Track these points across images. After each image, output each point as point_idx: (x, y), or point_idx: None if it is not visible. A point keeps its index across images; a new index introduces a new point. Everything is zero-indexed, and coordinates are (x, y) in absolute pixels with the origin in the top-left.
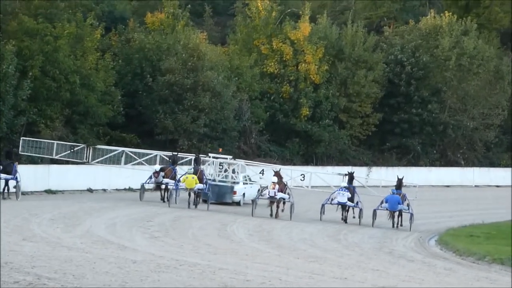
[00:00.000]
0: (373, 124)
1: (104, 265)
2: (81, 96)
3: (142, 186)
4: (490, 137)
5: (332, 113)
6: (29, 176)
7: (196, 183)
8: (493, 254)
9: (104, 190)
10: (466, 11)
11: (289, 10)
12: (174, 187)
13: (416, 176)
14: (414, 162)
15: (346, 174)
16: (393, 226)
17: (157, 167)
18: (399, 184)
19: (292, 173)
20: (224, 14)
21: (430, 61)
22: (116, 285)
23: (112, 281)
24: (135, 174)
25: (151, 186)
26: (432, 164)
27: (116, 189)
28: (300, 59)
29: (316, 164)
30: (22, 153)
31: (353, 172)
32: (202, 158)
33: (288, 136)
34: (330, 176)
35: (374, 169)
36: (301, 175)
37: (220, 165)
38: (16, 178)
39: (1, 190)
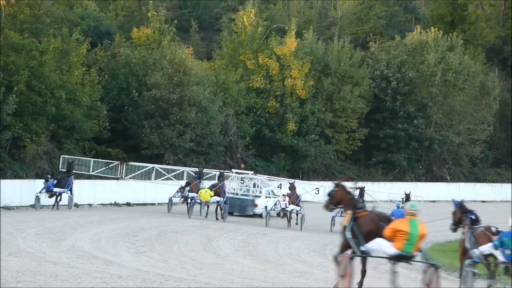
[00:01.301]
0: (359, 139)
1: (89, 280)
2: (67, 111)
3: (170, 199)
4: (475, 152)
5: (318, 128)
6: (15, 190)
7: (211, 196)
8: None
9: (90, 205)
10: (451, 27)
11: (275, 26)
12: (193, 200)
13: (402, 191)
14: (400, 177)
15: (357, 189)
16: None
17: (183, 182)
18: (407, 198)
19: (307, 187)
20: (210, 29)
21: (415, 76)
22: None
23: None
24: (120, 188)
25: (179, 199)
26: (417, 179)
27: (102, 204)
28: (286, 74)
29: (302, 179)
30: (62, 169)
31: (364, 187)
32: (225, 173)
33: (274, 151)
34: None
35: (360, 184)
36: (316, 189)
37: (241, 179)
38: (70, 190)
39: (53, 203)
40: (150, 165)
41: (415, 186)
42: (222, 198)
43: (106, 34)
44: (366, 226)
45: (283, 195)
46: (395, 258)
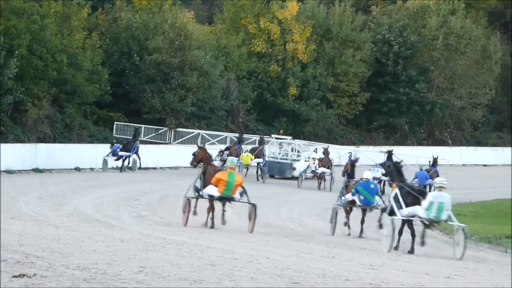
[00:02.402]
0: (361, 104)
1: (91, 244)
2: (68, 75)
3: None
4: (477, 116)
5: (319, 93)
6: (16, 154)
7: (251, 159)
8: (480, 233)
9: (92, 169)
10: None
11: None
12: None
13: (374, 155)
14: (402, 141)
15: (386, 152)
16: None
17: (222, 146)
18: (434, 162)
19: (340, 151)
20: None
21: (417, 40)
22: (103, 263)
23: (100, 259)
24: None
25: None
26: (419, 143)
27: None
28: (288, 39)
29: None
30: (116, 135)
31: (392, 150)
32: (265, 138)
33: (275, 115)
34: (376, 154)
35: (363, 148)
36: (348, 153)
37: (280, 144)
38: (135, 154)
39: (120, 165)
40: (196, 131)
41: (416, 150)
42: (262, 160)
43: None
44: (208, 178)
45: (313, 158)
46: (218, 199)
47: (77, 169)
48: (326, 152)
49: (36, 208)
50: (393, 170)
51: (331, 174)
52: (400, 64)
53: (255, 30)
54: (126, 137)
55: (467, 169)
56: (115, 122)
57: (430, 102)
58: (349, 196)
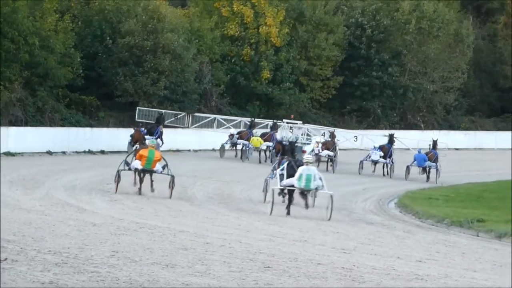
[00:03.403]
0: (334, 87)
1: (63, 228)
2: (40, 58)
3: (222, 146)
4: (449, 100)
5: (292, 76)
6: None
7: (261, 143)
8: (452, 217)
9: (64, 152)
10: None
11: None
12: (246, 146)
13: (378, 139)
14: (374, 125)
15: (387, 136)
16: (427, 179)
17: (232, 130)
18: (434, 144)
19: (346, 135)
20: None
21: (390, 24)
22: (75, 248)
23: (72, 243)
24: (94, 136)
25: (228, 146)
26: (392, 127)
27: (76, 152)
28: (261, 22)
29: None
30: (138, 120)
31: (393, 134)
32: (278, 123)
33: (249, 99)
34: (379, 137)
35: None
36: (354, 136)
37: (290, 128)
38: (158, 138)
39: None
40: (213, 116)
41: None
42: (271, 144)
43: None
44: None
45: (316, 142)
46: (141, 171)
47: (49, 152)
48: (332, 135)
49: (7, 192)
50: (288, 147)
51: (334, 156)
52: (373, 48)
53: (228, 13)
54: (148, 121)
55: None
56: (138, 107)
57: (403, 86)
58: (290, 181)
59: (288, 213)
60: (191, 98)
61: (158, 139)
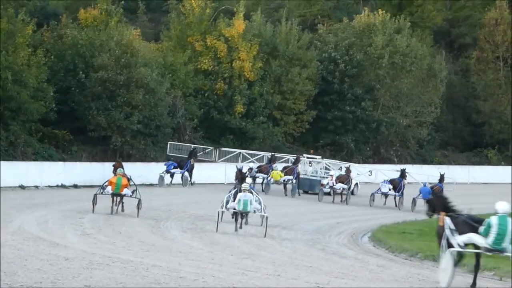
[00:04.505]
0: (307, 121)
1: (35, 262)
2: (13, 92)
3: None
4: (422, 134)
5: (266, 110)
6: None
7: (281, 176)
8: (425, 251)
9: (36, 186)
10: (399, 9)
11: (223, 7)
12: (266, 180)
13: (391, 173)
14: (348, 159)
15: (397, 170)
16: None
17: (251, 164)
18: (441, 178)
19: (361, 170)
20: (158, 11)
21: (363, 59)
22: (48, 282)
23: (44, 278)
24: (67, 170)
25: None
26: (365, 161)
27: (49, 186)
28: (235, 56)
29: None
30: (169, 154)
31: (405, 169)
32: (300, 157)
33: (222, 133)
34: (393, 172)
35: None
36: (369, 171)
37: (309, 163)
38: (187, 171)
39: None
40: (238, 150)
41: (363, 168)
42: (292, 177)
43: (52, 15)
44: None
45: (330, 175)
46: (112, 195)
47: (22, 187)
48: (347, 170)
49: None
50: (240, 176)
51: (348, 189)
52: (346, 82)
53: (201, 48)
54: (178, 155)
55: (412, 187)
56: (169, 142)
57: (376, 120)
58: (232, 204)
59: (236, 230)
60: (164, 132)
61: (186, 172)
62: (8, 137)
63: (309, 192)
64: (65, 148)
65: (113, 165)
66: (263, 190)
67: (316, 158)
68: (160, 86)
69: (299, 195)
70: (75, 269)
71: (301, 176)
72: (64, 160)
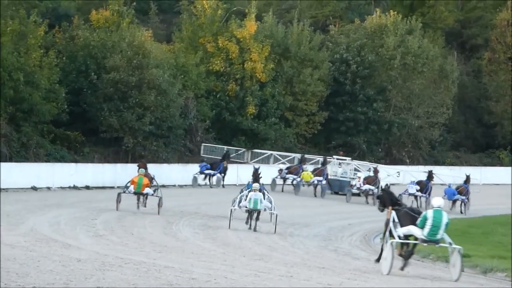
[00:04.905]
0: (319, 123)
1: (48, 264)
2: (25, 93)
3: (273, 180)
4: (434, 135)
5: (278, 111)
6: None
7: (311, 177)
8: (437, 252)
9: (49, 188)
10: (411, 10)
11: (235, 9)
12: (296, 180)
13: (419, 175)
14: (360, 160)
15: (425, 172)
16: (450, 209)
17: (282, 166)
18: (467, 180)
19: (390, 171)
20: (169, 12)
21: (375, 60)
22: (60, 284)
23: (57, 279)
24: (79, 172)
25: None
26: (377, 162)
27: (61, 187)
28: (246, 58)
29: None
30: (203, 155)
31: (432, 170)
32: (328, 159)
33: (234, 134)
34: (420, 174)
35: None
36: (397, 172)
37: (339, 164)
38: (220, 173)
39: (208, 182)
40: (269, 152)
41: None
42: (322, 178)
43: (64, 16)
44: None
45: (358, 177)
46: (134, 193)
47: (34, 188)
48: (375, 171)
49: None
50: (255, 175)
51: (374, 190)
52: (358, 83)
53: (213, 49)
54: (212, 157)
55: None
56: (203, 144)
57: (388, 121)
58: (244, 203)
59: (249, 227)
60: (176, 134)
61: (218, 174)
62: (20, 138)
63: (339, 193)
64: (77, 150)
65: (138, 165)
66: (294, 191)
67: (345, 160)
68: (172, 87)
69: (332, 193)
70: (88, 270)
71: (331, 177)
72: (76, 161)
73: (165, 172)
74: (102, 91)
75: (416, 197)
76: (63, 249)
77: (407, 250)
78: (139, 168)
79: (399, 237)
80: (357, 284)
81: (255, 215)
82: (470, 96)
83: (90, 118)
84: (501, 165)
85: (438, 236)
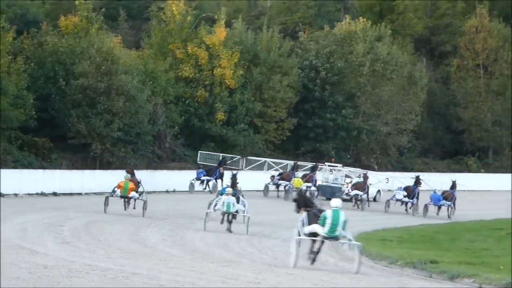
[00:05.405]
0: (288, 129)
1: (15, 270)
2: None
3: (266, 186)
4: (403, 142)
5: (247, 118)
6: None
7: (301, 184)
8: (405, 258)
9: (16, 194)
10: (380, 17)
11: (205, 15)
12: (288, 187)
13: (408, 181)
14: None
15: (413, 178)
16: (436, 214)
17: (273, 172)
18: (453, 185)
19: (379, 177)
20: (138, 18)
21: (344, 66)
22: None
23: (23, 286)
24: (47, 178)
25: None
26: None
27: (28, 194)
28: (216, 64)
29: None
30: (200, 162)
31: (419, 176)
32: (319, 165)
33: (203, 140)
34: (409, 180)
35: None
36: (386, 178)
37: (330, 171)
38: (215, 179)
39: (204, 187)
40: (263, 159)
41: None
42: (311, 184)
43: (32, 22)
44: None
45: (346, 182)
46: (120, 197)
47: (1, 194)
48: (364, 177)
49: None
50: (233, 180)
51: (362, 196)
52: (327, 90)
53: (182, 55)
54: (208, 164)
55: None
56: (199, 151)
57: (357, 128)
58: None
59: (222, 223)
60: (144, 140)
61: (214, 180)
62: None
63: (331, 199)
64: (44, 156)
65: (126, 171)
66: (284, 197)
67: (337, 166)
68: (141, 93)
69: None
70: (55, 277)
71: (323, 183)
72: (43, 167)
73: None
74: (71, 97)
75: (403, 202)
76: (30, 255)
77: (316, 247)
78: (128, 173)
79: (305, 234)
80: None
81: (230, 217)
82: (438, 103)
83: (58, 124)
84: (469, 171)
85: (337, 233)
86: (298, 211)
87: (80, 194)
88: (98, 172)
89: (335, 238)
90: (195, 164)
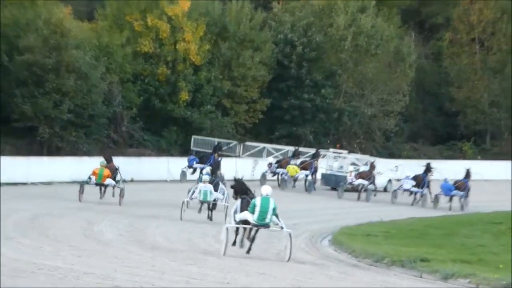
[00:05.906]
0: (261, 111)
1: None
2: None
3: (263, 174)
4: (389, 125)
5: (214, 98)
6: None
7: (297, 172)
8: (392, 256)
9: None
10: None
11: None
12: (284, 175)
13: (418, 168)
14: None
15: (424, 166)
16: (449, 208)
17: (271, 159)
18: (467, 174)
19: (388, 165)
20: None
21: (323, 41)
22: None
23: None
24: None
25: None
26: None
27: None
28: (179, 38)
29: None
30: (194, 148)
31: (429, 163)
32: (321, 152)
33: (164, 123)
34: (419, 167)
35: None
36: (395, 166)
37: (334, 158)
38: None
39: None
40: (262, 145)
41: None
42: (308, 172)
43: None
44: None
45: (350, 171)
46: (95, 184)
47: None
48: (371, 165)
49: None
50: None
51: (367, 185)
52: (304, 67)
53: (141, 28)
54: (202, 150)
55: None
56: (193, 136)
57: (338, 110)
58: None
59: (200, 212)
60: (98, 123)
61: (208, 167)
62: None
63: (336, 188)
64: None
65: (103, 157)
66: (279, 185)
67: (342, 153)
68: (94, 70)
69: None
70: None
71: (327, 172)
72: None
73: (87, 166)
74: (15, 74)
75: (411, 192)
76: None
77: (252, 237)
78: (107, 160)
79: (236, 222)
80: None
81: (210, 205)
82: (429, 82)
83: (0, 105)
84: (464, 158)
85: (267, 220)
86: (235, 198)
87: (25, 184)
88: (45, 159)
89: (266, 226)
90: (156, 150)
